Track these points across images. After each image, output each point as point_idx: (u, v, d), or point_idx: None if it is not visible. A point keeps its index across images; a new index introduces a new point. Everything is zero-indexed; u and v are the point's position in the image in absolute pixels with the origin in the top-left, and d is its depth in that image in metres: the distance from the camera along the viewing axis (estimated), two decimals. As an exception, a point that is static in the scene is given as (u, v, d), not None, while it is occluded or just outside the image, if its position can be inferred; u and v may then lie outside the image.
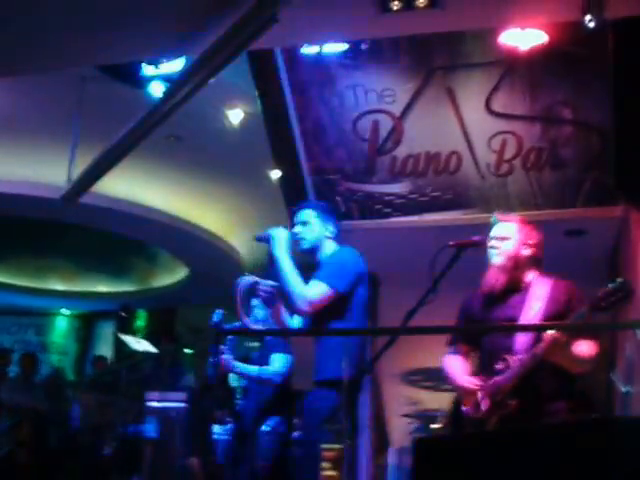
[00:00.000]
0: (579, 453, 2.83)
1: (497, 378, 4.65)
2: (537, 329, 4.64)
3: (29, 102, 8.88)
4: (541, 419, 4.45)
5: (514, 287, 4.80)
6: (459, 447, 3.40)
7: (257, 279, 5.30)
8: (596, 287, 4.52)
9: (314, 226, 5.29)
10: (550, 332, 4.41)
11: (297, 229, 5.29)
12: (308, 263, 5.41)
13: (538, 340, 4.52)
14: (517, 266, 4.79)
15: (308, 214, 5.33)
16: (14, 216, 11.95)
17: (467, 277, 5.88)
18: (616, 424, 2.93)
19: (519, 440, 3.14)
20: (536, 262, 4.87)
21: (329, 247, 5.31)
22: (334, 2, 5.39)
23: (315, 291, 4.98)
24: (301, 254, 5.31)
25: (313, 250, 5.30)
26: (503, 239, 4.84)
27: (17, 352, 15.00)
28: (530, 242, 4.84)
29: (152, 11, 5.63)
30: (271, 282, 5.18)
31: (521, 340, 4.66)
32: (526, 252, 4.82)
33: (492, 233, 4.90)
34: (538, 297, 4.72)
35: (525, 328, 4.73)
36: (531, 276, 4.82)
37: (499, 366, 4.68)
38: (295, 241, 5.23)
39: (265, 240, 5.16)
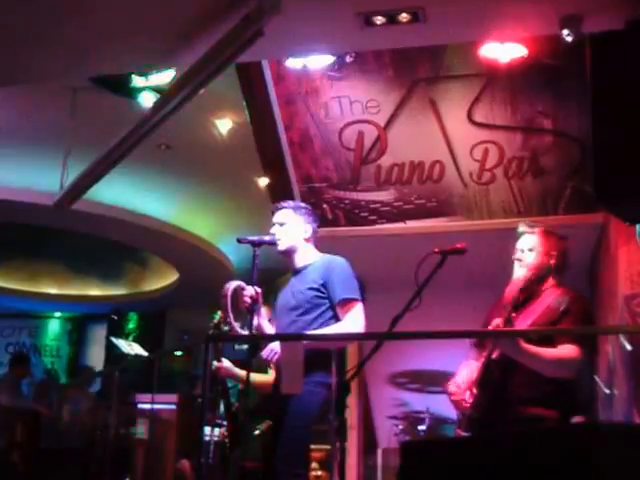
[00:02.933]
0: (564, 459, 2.88)
1: None
2: (509, 334, 4.76)
3: (22, 112, 8.92)
4: (522, 424, 4.52)
5: (531, 296, 4.90)
6: (446, 451, 3.44)
7: (241, 283, 5.39)
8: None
9: (291, 227, 5.41)
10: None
11: (274, 229, 5.41)
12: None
13: None
14: (538, 277, 4.90)
15: (285, 215, 5.46)
16: (8, 222, 12.01)
17: (451, 283, 6.02)
18: (600, 431, 3.02)
19: (505, 446, 3.18)
20: (556, 271, 4.97)
21: (309, 252, 5.45)
22: (319, 17, 5.48)
23: (356, 318, 5.13)
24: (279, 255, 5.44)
25: (289, 251, 5.42)
26: (529, 251, 4.94)
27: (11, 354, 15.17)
28: (553, 253, 4.94)
29: (141, 25, 5.74)
30: (255, 288, 5.28)
31: None
32: (548, 263, 4.93)
33: (518, 245, 5.01)
34: (540, 305, 4.84)
35: (506, 334, 4.78)
36: (547, 285, 4.93)
37: None
38: (272, 242, 5.35)
39: (246, 242, 5.28)
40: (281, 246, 5.38)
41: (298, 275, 5.42)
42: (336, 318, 5.23)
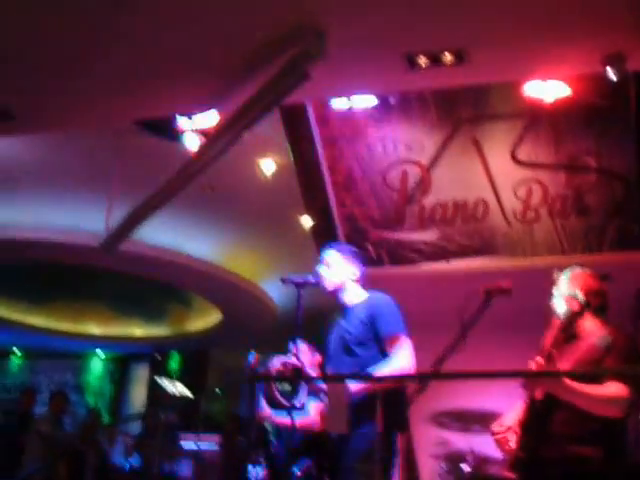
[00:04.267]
0: None
1: None
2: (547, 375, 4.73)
3: (69, 153, 9.03)
4: (567, 464, 4.49)
5: (573, 336, 4.83)
6: None
7: (284, 360, 5.41)
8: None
9: (337, 268, 5.40)
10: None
11: (321, 270, 5.41)
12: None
13: None
14: (566, 318, 4.82)
15: (332, 256, 5.46)
16: (53, 262, 12.12)
17: (496, 322, 6.00)
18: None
19: None
20: (594, 310, 4.86)
21: (357, 291, 5.43)
22: (364, 59, 5.53)
23: (405, 354, 5.09)
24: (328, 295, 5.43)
25: (335, 292, 5.41)
26: (555, 296, 4.92)
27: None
28: (575, 292, 4.91)
29: (188, 69, 5.82)
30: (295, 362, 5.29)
31: None
32: (573, 303, 4.83)
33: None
34: (584, 343, 4.76)
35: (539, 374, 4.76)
36: (589, 324, 4.83)
37: None
38: (316, 283, 5.37)
39: (289, 282, 5.31)
40: (328, 287, 5.39)
41: (346, 316, 5.42)
42: (382, 353, 5.22)
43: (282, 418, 6.24)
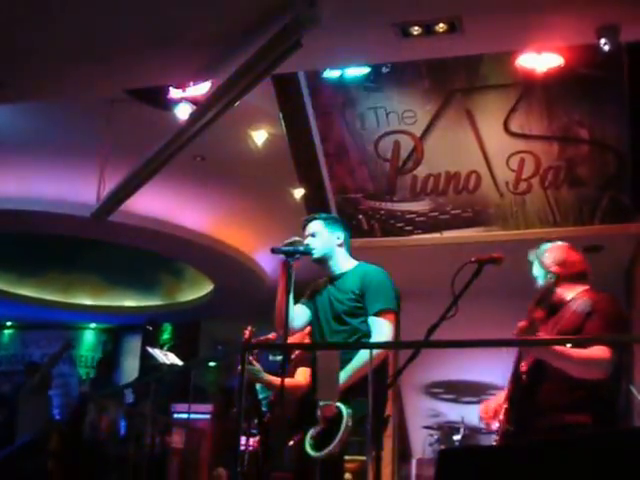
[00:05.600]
0: (608, 465, 2.85)
1: None
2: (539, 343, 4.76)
3: (60, 124, 8.98)
4: (558, 432, 4.47)
5: (555, 307, 4.86)
6: (483, 458, 3.38)
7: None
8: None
9: (323, 236, 5.41)
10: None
11: (307, 241, 5.40)
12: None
13: None
14: (546, 291, 4.87)
15: (316, 225, 5.46)
16: (45, 233, 12.09)
17: (487, 293, 6.01)
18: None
19: (544, 452, 3.12)
20: (571, 278, 4.89)
21: (344, 259, 5.45)
22: (356, 28, 5.51)
23: (383, 325, 5.11)
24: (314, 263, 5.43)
25: (324, 259, 5.41)
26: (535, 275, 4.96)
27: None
28: (552, 264, 4.90)
29: (180, 37, 5.79)
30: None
31: None
32: (551, 275, 4.87)
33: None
34: (567, 312, 4.78)
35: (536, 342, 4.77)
36: (573, 294, 4.85)
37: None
38: (306, 252, 5.34)
39: (279, 252, 5.32)
40: (316, 254, 5.38)
41: (336, 282, 5.42)
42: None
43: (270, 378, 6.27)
